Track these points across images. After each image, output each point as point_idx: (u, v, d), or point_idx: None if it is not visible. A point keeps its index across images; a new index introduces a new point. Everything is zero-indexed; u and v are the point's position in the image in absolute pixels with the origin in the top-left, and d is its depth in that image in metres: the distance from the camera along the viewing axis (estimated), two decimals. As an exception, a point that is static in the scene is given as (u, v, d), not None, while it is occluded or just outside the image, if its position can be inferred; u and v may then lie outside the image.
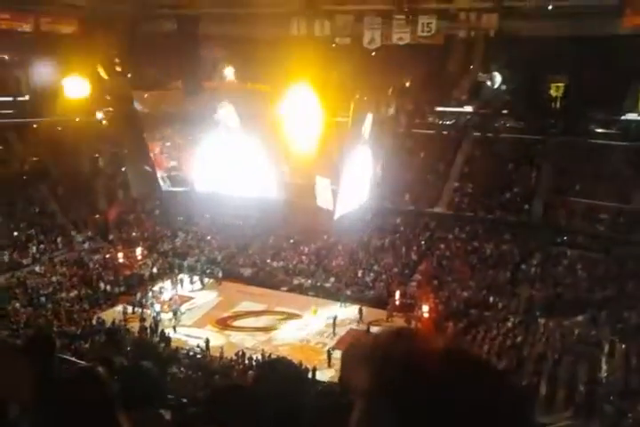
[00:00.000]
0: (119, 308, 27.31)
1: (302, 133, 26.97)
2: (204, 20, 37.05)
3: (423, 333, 1.31)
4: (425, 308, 25.38)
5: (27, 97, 40.56)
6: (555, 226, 29.41)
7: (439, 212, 32.25)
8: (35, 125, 38.40)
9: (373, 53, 39.77)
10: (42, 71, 39.39)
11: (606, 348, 22.57)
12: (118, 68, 36.11)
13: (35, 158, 36.39)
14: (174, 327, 26.29)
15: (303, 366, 21.89)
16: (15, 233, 30.88)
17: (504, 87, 38.73)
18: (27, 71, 41.41)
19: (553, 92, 38.12)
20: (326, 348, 24.24)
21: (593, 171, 29.67)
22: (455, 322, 24.94)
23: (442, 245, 30.80)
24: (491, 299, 26.55)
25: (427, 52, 38.45)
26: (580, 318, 24.55)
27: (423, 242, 31.44)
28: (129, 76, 41.13)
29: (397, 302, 27.10)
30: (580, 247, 28.18)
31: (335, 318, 26.10)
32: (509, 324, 24.77)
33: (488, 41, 36.20)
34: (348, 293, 28.82)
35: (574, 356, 22.22)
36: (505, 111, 39.56)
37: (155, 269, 31.37)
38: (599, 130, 33.93)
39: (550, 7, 35.83)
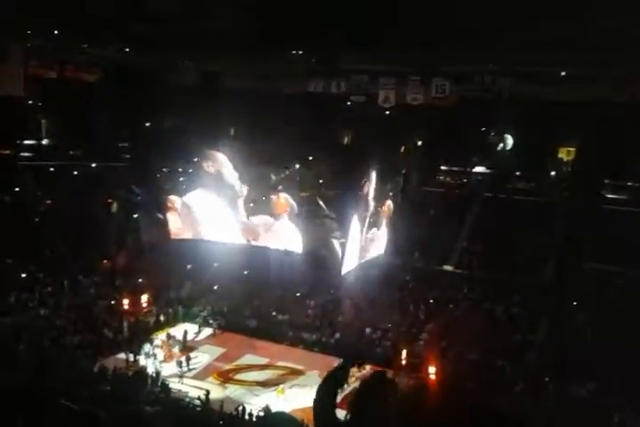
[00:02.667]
0: (122, 355, 26.96)
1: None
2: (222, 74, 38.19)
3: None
4: (431, 369, 24.85)
5: (46, 140, 41.55)
6: (566, 289, 29.14)
7: (449, 270, 32.12)
8: (51, 169, 39.10)
9: (387, 112, 40.74)
10: (64, 116, 40.47)
11: (616, 418, 21.95)
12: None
13: (49, 201, 36.83)
14: (181, 377, 25.88)
15: (304, 424, 21.55)
16: (23, 275, 30.92)
17: (515, 149, 39.25)
18: (49, 115, 42.55)
19: (564, 156, 38.62)
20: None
21: (605, 235, 29.60)
22: (462, 384, 24.36)
23: (451, 305, 30.51)
24: (499, 362, 26.04)
25: (440, 112, 39.30)
26: (589, 385, 24.03)
27: (432, 301, 31.14)
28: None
29: (404, 362, 26.59)
30: (591, 311, 27.82)
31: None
32: (517, 388, 24.22)
33: (501, 103, 37.04)
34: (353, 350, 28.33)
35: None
36: (516, 173, 40.02)
37: (160, 318, 31.17)
38: (610, 195, 34.18)
39: (563, 73, 36.76)
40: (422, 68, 38.91)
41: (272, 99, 37.10)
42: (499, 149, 38.63)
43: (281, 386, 25.54)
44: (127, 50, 37.78)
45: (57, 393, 20.23)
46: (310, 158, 32.75)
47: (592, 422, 21.71)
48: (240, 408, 23.19)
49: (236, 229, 29.38)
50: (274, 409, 23.52)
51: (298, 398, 24.92)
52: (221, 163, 26.26)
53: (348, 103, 39.57)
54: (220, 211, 28.34)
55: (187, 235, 29.48)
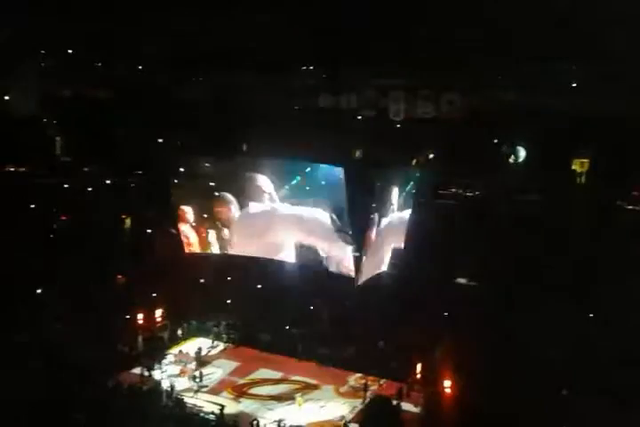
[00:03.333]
0: (137, 370, 27.04)
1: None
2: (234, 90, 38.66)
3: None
4: (446, 383, 24.69)
5: (64, 158, 42.18)
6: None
7: (463, 283, 31.99)
8: (66, 186, 39.61)
9: (398, 126, 40.97)
10: (78, 134, 41.09)
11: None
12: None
13: (64, 217, 37.25)
14: (196, 392, 25.91)
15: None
16: (38, 291, 31.20)
17: (528, 161, 39.26)
18: (64, 133, 43.17)
19: (577, 168, 38.52)
20: (343, 421, 23.68)
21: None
22: (476, 399, 24.14)
23: (466, 318, 30.27)
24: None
25: (450, 125, 39.46)
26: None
27: (446, 314, 30.95)
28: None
29: (418, 376, 26.44)
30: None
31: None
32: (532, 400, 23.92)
33: (513, 116, 37.14)
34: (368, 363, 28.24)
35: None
36: (528, 185, 39.95)
37: (174, 332, 31.24)
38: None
39: (575, 85, 36.80)
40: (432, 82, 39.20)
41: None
42: (511, 160, 38.69)
43: (299, 396, 25.57)
44: (140, 68, 38.41)
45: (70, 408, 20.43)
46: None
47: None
48: (254, 422, 23.19)
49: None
50: (289, 422, 23.59)
51: (313, 411, 24.98)
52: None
53: (359, 117, 39.90)
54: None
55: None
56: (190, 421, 23.69)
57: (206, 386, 26.71)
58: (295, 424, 23.47)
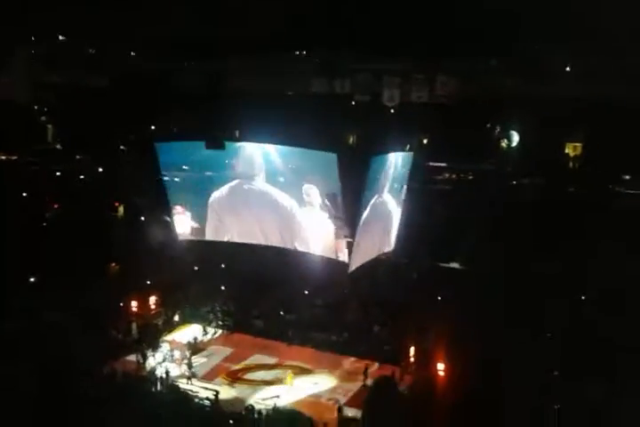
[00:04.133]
0: (131, 357, 27.10)
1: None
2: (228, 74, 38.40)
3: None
4: (440, 366, 24.81)
5: (56, 146, 41.92)
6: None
7: (456, 267, 32.06)
8: (58, 173, 39.39)
9: (392, 110, 40.84)
10: (70, 121, 40.81)
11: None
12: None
13: (56, 206, 37.10)
14: (189, 378, 25.98)
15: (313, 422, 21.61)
16: (32, 279, 31.14)
17: (521, 146, 39.21)
18: (55, 121, 42.88)
19: (570, 152, 38.51)
20: (337, 404, 23.80)
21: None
22: (470, 382, 24.27)
23: (459, 302, 30.35)
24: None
25: (445, 110, 39.35)
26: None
27: (440, 298, 31.04)
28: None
29: (412, 360, 26.57)
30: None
31: None
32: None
33: (507, 100, 37.03)
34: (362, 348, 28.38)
35: None
36: (522, 169, 39.90)
37: (168, 319, 31.28)
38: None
39: (568, 69, 36.66)
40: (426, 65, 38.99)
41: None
42: (504, 145, 38.66)
43: (289, 372, 25.81)
44: (133, 54, 38.10)
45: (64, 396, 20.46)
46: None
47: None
48: (249, 407, 23.28)
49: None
50: (280, 398, 23.77)
51: (304, 388, 25.27)
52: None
53: (352, 103, 39.72)
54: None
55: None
56: (185, 407, 23.72)
57: (200, 372, 26.79)
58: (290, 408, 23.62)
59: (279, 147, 28.43)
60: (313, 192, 27.82)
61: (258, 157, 28.69)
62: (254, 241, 30.35)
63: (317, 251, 28.94)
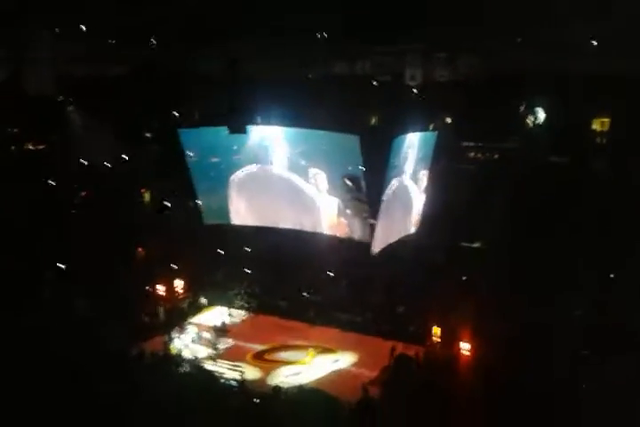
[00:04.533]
0: (158, 339, 27.60)
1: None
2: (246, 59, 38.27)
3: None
4: (464, 346, 24.79)
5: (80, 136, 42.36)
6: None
7: (479, 247, 31.79)
8: (85, 162, 39.90)
9: (414, 90, 40.30)
10: (95, 112, 41.18)
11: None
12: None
13: (83, 193, 37.72)
14: (214, 360, 26.44)
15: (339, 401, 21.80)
16: (62, 266, 31.79)
17: (548, 123, 38.45)
18: (81, 112, 43.33)
19: (598, 128, 37.57)
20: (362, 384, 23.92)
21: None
22: (495, 361, 24.19)
23: (483, 283, 30.17)
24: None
25: (468, 88, 38.67)
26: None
27: (464, 278, 30.87)
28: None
29: (435, 339, 26.59)
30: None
31: None
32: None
33: (531, 77, 36.25)
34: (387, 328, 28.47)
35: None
36: (549, 147, 39.14)
37: (194, 302, 31.77)
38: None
39: (595, 43, 35.78)
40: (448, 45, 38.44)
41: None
42: (529, 122, 37.90)
43: (311, 350, 26.00)
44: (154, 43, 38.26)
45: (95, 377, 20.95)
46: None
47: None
48: (276, 388, 23.57)
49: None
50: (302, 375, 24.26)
51: (324, 365, 25.62)
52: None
53: (374, 83, 39.32)
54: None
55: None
56: (212, 387, 24.15)
57: (226, 354, 27.24)
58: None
59: (301, 130, 28.48)
60: (320, 177, 27.92)
61: (279, 140, 28.80)
62: (275, 225, 30.53)
63: (338, 233, 29.02)
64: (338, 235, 29.11)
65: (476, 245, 32.21)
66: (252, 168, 29.77)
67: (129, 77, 40.50)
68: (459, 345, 24.92)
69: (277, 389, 23.54)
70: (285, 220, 30.31)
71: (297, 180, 29.06)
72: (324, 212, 29.24)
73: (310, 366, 25.91)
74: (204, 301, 32.37)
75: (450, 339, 26.15)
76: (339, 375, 25.46)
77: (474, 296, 28.77)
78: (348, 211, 28.54)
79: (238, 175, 30.07)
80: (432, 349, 26.38)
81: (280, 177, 29.44)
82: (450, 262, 31.62)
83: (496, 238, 31.87)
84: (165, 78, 39.54)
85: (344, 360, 26.45)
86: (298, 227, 30.17)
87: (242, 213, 31.15)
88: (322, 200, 28.99)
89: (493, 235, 32.13)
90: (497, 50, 37.86)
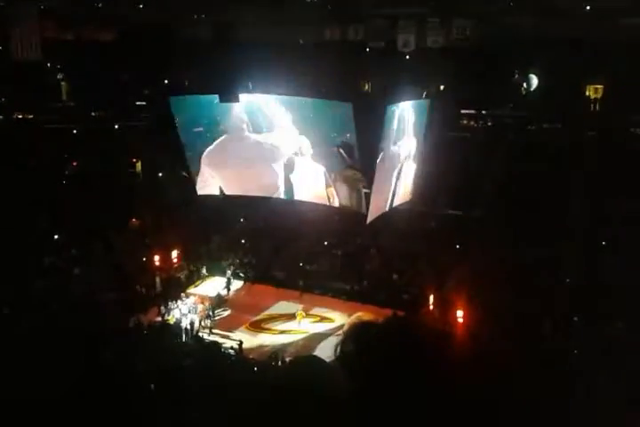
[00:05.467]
0: (155, 310, 27.80)
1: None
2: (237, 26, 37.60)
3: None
4: (459, 313, 25.11)
5: (70, 103, 41.81)
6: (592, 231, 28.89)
7: (475, 216, 31.93)
8: (75, 131, 39.48)
9: (407, 57, 39.90)
10: (83, 78, 40.53)
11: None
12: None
13: (74, 163, 37.39)
14: (210, 329, 26.68)
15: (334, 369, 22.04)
16: (56, 236, 31.76)
17: (541, 89, 38.29)
18: (68, 78, 42.64)
19: (591, 95, 37.48)
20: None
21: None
22: (490, 328, 24.57)
23: (479, 251, 30.40)
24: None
25: (462, 54, 38.31)
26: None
27: (458, 246, 31.13)
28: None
29: (431, 307, 26.93)
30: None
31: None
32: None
33: (524, 43, 35.90)
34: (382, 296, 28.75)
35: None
36: (542, 113, 39.06)
37: (190, 273, 31.88)
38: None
39: (588, 8, 35.33)
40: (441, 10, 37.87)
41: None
42: (523, 89, 37.76)
43: (300, 311, 26.64)
44: (141, 6, 37.46)
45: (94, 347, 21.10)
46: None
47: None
48: (273, 355, 23.91)
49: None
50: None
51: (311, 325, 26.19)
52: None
53: (367, 50, 38.88)
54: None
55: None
56: (210, 356, 24.44)
57: (224, 323, 27.49)
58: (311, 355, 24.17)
59: (292, 98, 28.05)
60: (309, 145, 27.68)
61: (270, 109, 28.38)
62: (266, 194, 30.32)
63: (332, 203, 28.95)
64: (332, 204, 29.03)
65: (472, 213, 32.29)
66: (240, 136, 29.30)
67: (118, 44, 39.77)
68: (453, 312, 25.22)
69: (274, 356, 23.92)
70: (276, 189, 30.11)
71: (288, 148, 28.77)
72: (317, 181, 29.08)
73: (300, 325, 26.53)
74: (200, 271, 32.44)
75: (444, 307, 26.47)
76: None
77: (468, 264, 29.11)
78: (341, 180, 28.38)
79: (225, 143, 29.62)
80: (425, 316, 26.69)
81: (272, 145, 29.12)
82: (444, 231, 31.88)
83: (490, 206, 32.04)
84: (155, 45, 38.82)
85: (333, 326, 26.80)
86: (294, 197, 30.04)
87: (230, 182, 30.87)
88: (315, 169, 28.79)
89: (488, 202, 32.29)
90: (490, 15, 37.36)
